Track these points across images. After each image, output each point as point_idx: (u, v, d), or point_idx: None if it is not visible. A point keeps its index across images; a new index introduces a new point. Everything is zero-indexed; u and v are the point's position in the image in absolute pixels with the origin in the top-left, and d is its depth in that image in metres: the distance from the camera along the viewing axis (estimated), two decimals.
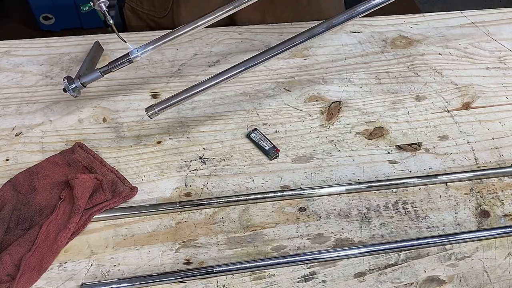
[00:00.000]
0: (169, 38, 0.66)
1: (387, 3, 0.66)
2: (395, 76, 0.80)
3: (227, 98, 0.75)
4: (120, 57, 0.65)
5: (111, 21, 0.64)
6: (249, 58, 0.65)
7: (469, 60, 0.83)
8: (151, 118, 0.65)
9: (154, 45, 0.65)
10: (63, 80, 0.65)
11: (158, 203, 0.62)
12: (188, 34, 0.66)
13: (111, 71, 0.66)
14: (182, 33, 0.66)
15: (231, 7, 0.67)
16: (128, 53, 0.65)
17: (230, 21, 0.91)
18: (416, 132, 0.72)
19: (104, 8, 0.63)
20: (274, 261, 0.57)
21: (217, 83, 0.64)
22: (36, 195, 0.60)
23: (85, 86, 0.67)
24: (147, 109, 0.63)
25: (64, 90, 0.66)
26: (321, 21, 0.66)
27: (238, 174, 0.65)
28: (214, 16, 0.67)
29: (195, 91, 0.63)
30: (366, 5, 0.66)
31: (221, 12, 0.67)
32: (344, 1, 0.99)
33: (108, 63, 0.65)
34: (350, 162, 0.68)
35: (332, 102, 0.75)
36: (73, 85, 0.66)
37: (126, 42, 0.67)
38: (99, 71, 0.66)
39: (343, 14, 0.66)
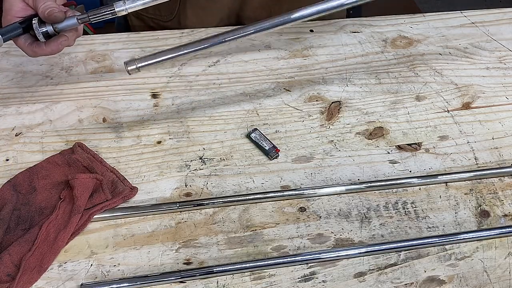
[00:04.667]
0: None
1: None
2: (395, 76, 0.80)
3: (227, 98, 0.75)
4: (103, 7, 0.60)
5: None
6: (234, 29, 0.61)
7: (469, 60, 0.83)
8: (129, 74, 0.59)
9: (143, 1, 0.60)
10: (33, 21, 0.59)
11: (158, 203, 0.62)
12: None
13: (90, 21, 0.60)
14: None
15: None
16: (113, 4, 0.59)
17: (237, 21, 0.91)
18: (416, 132, 0.72)
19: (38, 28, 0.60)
20: (274, 261, 0.57)
21: (203, 47, 0.60)
22: (36, 195, 0.60)
23: (57, 32, 0.62)
24: (127, 63, 0.58)
25: (30, 31, 0.60)
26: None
27: (238, 174, 0.65)
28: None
29: (181, 52, 0.59)
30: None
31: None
32: None
33: (89, 11, 0.60)
34: (350, 162, 0.68)
35: (332, 102, 0.75)
36: (44, 29, 0.60)
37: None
38: (77, 18, 0.60)
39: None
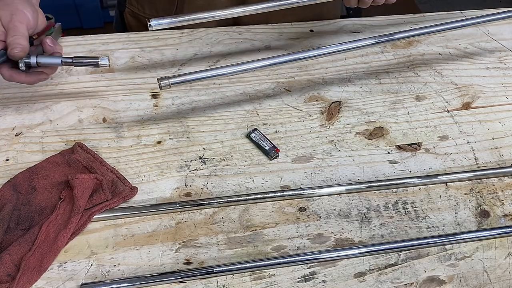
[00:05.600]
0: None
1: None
2: (395, 76, 0.80)
3: (227, 98, 0.75)
4: (88, 57, 0.65)
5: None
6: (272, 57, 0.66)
7: (469, 60, 0.83)
8: (161, 90, 0.63)
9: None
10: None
11: (158, 203, 0.62)
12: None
13: (73, 65, 0.66)
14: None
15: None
16: (98, 56, 0.65)
17: (234, 23, 0.91)
18: (416, 132, 0.72)
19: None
20: (274, 261, 0.57)
21: (236, 71, 0.65)
22: (36, 195, 0.60)
23: (38, 66, 0.65)
24: (160, 79, 0.61)
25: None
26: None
27: (238, 174, 0.65)
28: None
29: (213, 74, 0.64)
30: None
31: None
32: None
33: (74, 56, 0.65)
34: (350, 162, 0.68)
35: (332, 102, 0.75)
36: (28, 60, 0.63)
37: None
38: (61, 60, 0.65)
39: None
